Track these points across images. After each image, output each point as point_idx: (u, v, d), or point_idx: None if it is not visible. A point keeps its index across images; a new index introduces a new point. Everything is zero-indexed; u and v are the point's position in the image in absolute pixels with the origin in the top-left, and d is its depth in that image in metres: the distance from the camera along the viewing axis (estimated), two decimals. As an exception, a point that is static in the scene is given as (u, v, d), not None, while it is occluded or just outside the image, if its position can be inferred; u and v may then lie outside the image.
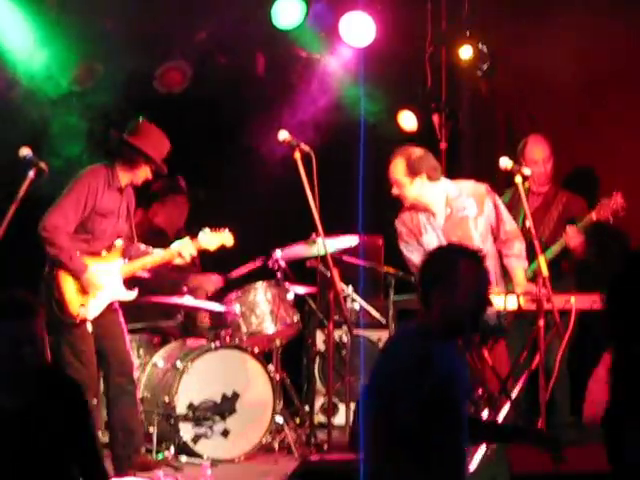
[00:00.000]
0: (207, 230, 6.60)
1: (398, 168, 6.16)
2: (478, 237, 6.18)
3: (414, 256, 6.17)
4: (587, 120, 7.61)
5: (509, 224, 6.26)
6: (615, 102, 7.51)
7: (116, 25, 7.68)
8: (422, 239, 6.21)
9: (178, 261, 6.56)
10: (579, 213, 6.85)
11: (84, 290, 6.07)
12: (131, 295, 6.28)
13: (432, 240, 6.16)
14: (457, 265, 3.72)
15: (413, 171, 6.12)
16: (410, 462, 3.61)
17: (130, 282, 6.35)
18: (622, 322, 3.12)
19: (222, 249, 6.92)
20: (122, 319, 6.26)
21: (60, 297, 6.03)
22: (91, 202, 6.11)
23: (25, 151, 5.97)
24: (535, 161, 6.89)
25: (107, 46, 7.63)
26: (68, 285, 6.06)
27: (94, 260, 6.16)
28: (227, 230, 6.67)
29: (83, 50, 7.59)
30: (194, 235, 6.57)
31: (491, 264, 6.15)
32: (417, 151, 6.23)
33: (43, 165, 5.92)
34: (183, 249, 6.43)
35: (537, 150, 6.98)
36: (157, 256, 6.43)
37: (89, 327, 6.08)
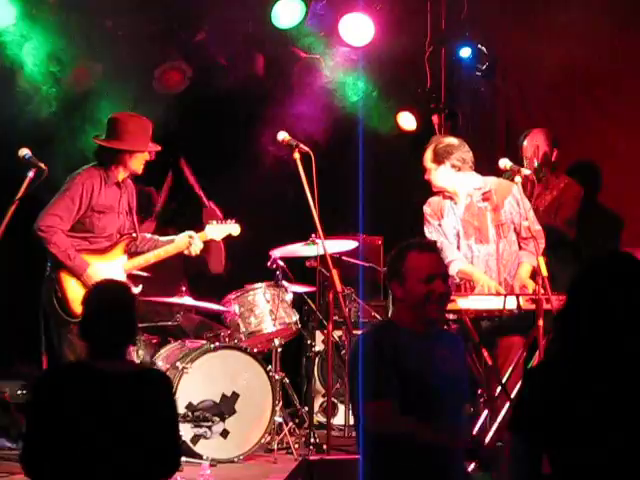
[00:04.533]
0: (214, 222, 6.69)
1: (426, 155, 6.32)
2: (494, 230, 6.24)
3: (433, 236, 6.26)
4: (587, 120, 7.62)
5: (532, 224, 6.26)
6: (615, 102, 7.52)
7: (116, 25, 7.69)
8: (442, 222, 6.31)
9: (186, 252, 6.58)
10: (569, 200, 6.96)
11: (86, 287, 6.07)
12: (135, 291, 6.27)
13: (449, 225, 6.29)
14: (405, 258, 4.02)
15: (437, 159, 6.26)
16: None
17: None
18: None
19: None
20: None
21: (62, 295, 6.03)
22: (86, 200, 6.12)
23: (25, 151, 5.97)
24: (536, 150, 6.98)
25: (107, 46, 7.64)
26: (70, 283, 6.06)
27: (96, 258, 6.17)
28: (234, 221, 6.75)
29: (82, 50, 7.60)
30: (200, 228, 6.61)
31: (509, 261, 6.24)
32: (447, 140, 6.36)
33: (43, 165, 5.93)
34: (191, 243, 6.45)
35: (538, 140, 7.04)
36: (161, 251, 6.45)
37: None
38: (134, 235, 6.40)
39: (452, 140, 6.36)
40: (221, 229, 6.71)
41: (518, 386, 5.93)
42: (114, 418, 3.75)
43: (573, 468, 2.81)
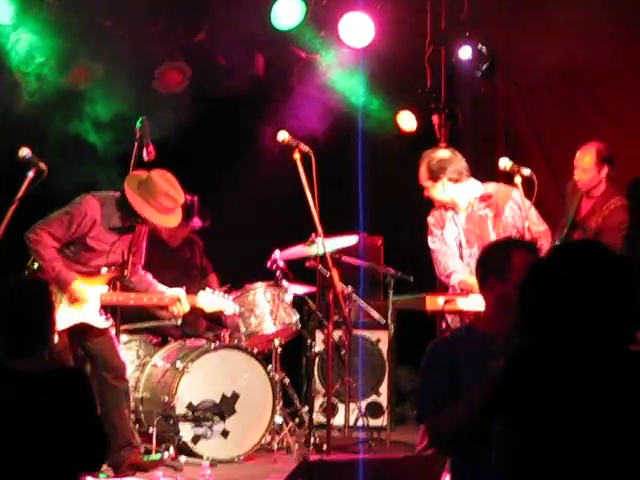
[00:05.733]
0: (209, 290, 6.50)
1: (421, 173, 6.31)
2: (495, 237, 6.25)
3: (436, 246, 6.31)
4: (587, 120, 7.62)
5: (535, 225, 6.26)
6: (615, 102, 7.52)
7: (116, 25, 7.69)
8: (443, 231, 6.35)
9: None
10: (615, 225, 6.80)
11: (71, 300, 6.05)
12: (104, 324, 6.16)
13: (450, 235, 6.32)
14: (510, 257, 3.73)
15: (433, 176, 6.25)
16: None
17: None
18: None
19: (221, 241, 6.89)
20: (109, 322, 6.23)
21: None
22: (82, 230, 6.02)
23: (25, 151, 5.97)
24: (582, 169, 6.90)
25: (107, 46, 7.64)
26: None
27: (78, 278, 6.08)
28: (231, 298, 6.59)
29: (82, 50, 7.60)
30: (194, 292, 6.47)
31: None
32: (439, 155, 6.33)
33: (43, 165, 5.92)
34: (177, 304, 6.28)
35: (583, 158, 6.94)
36: (145, 298, 6.31)
37: (55, 337, 6.01)
38: (125, 273, 6.20)
39: (443, 154, 6.35)
40: (214, 301, 6.48)
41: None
42: (21, 417, 3.67)
43: (546, 453, 2.77)
